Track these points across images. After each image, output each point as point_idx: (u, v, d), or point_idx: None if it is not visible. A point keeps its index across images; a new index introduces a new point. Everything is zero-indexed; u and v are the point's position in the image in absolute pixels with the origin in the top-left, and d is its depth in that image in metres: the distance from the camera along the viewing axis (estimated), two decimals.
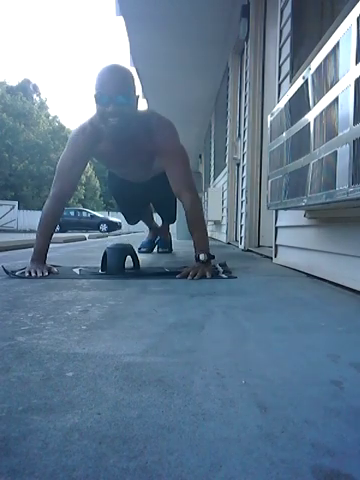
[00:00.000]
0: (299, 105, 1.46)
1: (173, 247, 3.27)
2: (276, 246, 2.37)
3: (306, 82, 1.38)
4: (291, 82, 1.97)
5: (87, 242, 5.32)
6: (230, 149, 4.48)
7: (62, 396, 0.53)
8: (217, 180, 5.95)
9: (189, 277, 1.61)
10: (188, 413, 0.49)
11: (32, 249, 1.80)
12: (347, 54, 1.04)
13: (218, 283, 1.53)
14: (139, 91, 2.01)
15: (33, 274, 1.64)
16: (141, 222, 3.22)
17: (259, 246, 3.37)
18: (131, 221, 3.08)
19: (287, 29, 2.21)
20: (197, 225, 1.78)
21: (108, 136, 1.83)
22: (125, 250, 1.82)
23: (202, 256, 1.69)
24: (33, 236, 1.84)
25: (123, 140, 1.85)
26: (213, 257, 1.76)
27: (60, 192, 1.83)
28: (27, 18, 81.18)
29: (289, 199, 1.58)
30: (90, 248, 3.62)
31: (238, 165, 4.11)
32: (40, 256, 1.77)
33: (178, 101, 6.29)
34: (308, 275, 1.76)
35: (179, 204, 2.12)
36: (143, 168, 2.23)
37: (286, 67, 2.21)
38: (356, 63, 0.99)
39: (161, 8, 3.83)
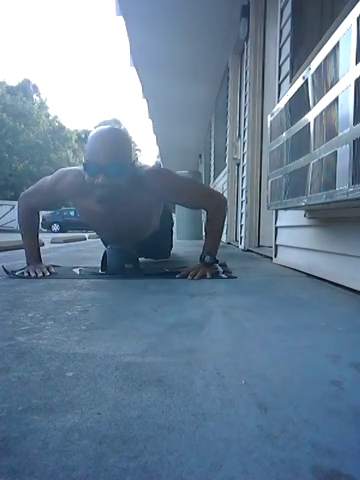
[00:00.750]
0: (299, 105, 1.46)
1: (173, 247, 3.27)
2: (276, 246, 2.37)
3: (306, 82, 1.38)
4: (291, 82, 1.97)
5: (87, 242, 5.32)
6: (230, 149, 4.48)
7: (62, 396, 0.53)
8: (217, 180, 5.95)
9: (189, 277, 1.61)
10: (188, 413, 0.49)
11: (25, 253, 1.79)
12: (347, 54, 1.04)
13: (218, 283, 1.53)
14: (135, 152, 1.80)
15: (33, 274, 1.64)
16: None
17: (259, 246, 3.37)
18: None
19: (287, 29, 2.21)
20: (214, 231, 1.77)
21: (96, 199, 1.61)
22: (125, 250, 1.82)
23: (207, 258, 1.69)
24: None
25: (113, 207, 1.66)
26: (217, 261, 1.77)
27: (34, 206, 1.79)
28: (27, 18, 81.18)
29: (289, 199, 1.58)
30: (90, 248, 3.62)
31: (238, 165, 4.11)
32: (35, 257, 1.78)
33: (178, 101, 6.29)
34: (308, 275, 1.76)
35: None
36: (138, 229, 1.92)
37: (286, 67, 2.21)
38: (356, 63, 0.99)
39: (161, 8, 3.83)
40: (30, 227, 1.81)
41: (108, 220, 1.73)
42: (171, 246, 2.64)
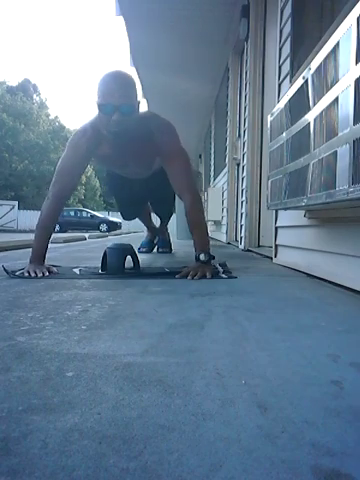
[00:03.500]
0: (299, 105, 1.46)
1: (173, 247, 3.27)
2: (276, 246, 2.37)
3: (306, 82, 1.38)
4: (291, 82, 1.98)
5: (87, 242, 5.32)
6: (230, 149, 4.48)
7: (62, 396, 0.53)
8: (217, 180, 5.95)
9: (189, 277, 1.61)
10: (188, 413, 0.49)
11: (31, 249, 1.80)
12: (347, 54, 1.04)
13: (218, 283, 1.53)
14: (140, 94, 2.00)
15: (33, 274, 1.64)
16: (138, 220, 3.21)
17: (259, 246, 3.37)
18: (128, 217, 3.05)
19: (287, 29, 2.21)
20: (197, 225, 1.79)
21: (109, 141, 1.84)
22: (125, 250, 1.82)
23: (202, 256, 1.69)
24: (33, 236, 1.84)
25: (124, 144, 1.87)
26: (213, 257, 1.76)
27: (60, 192, 1.83)
28: (27, 18, 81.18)
29: (289, 199, 1.58)
30: (90, 248, 3.62)
31: (238, 165, 4.11)
32: (39, 257, 1.77)
33: (178, 101, 6.29)
34: (308, 275, 1.76)
35: (179, 203, 2.14)
36: (143, 167, 2.25)
37: (286, 67, 2.21)
38: (356, 63, 0.99)
39: (161, 8, 3.83)
40: (48, 226, 1.84)
41: (120, 159, 2.02)
42: (173, 209, 3.10)
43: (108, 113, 1.66)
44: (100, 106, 1.67)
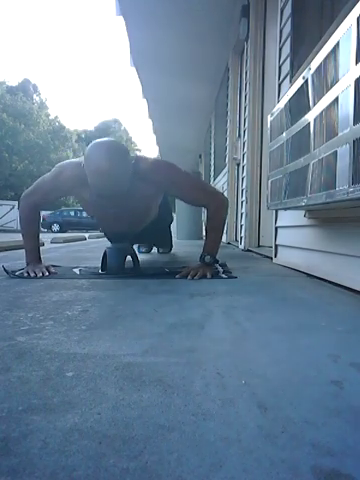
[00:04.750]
0: (299, 105, 1.46)
1: (173, 247, 3.27)
2: (276, 246, 2.37)
3: (306, 82, 1.38)
4: (291, 82, 1.98)
5: (87, 242, 5.32)
6: (230, 149, 4.48)
7: (62, 396, 0.53)
8: (217, 180, 5.95)
9: (189, 277, 1.61)
10: (188, 413, 0.49)
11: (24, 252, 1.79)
12: (347, 54, 1.04)
13: (218, 283, 1.53)
14: (133, 154, 1.69)
15: (32, 274, 1.64)
16: None
17: (259, 246, 3.37)
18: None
19: (287, 29, 2.21)
20: (214, 230, 1.77)
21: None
22: (125, 250, 1.82)
23: (207, 258, 1.70)
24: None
25: (117, 209, 1.70)
26: (217, 261, 1.77)
27: (36, 203, 1.78)
28: (27, 18, 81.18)
29: (289, 199, 1.58)
30: (90, 248, 3.62)
31: (238, 165, 4.11)
32: (35, 257, 1.78)
33: (178, 101, 6.29)
34: (308, 275, 1.75)
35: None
36: (138, 221, 1.99)
37: (286, 67, 2.21)
38: (356, 63, 0.99)
39: (161, 8, 3.82)
40: (31, 227, 1.81)
41: (109, 210, 1.74)
42: (171, 238, 2.67)
43: (98, 196, 1.55)
44: (92, 190, 1.54)
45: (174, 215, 4.02)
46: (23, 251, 1.82)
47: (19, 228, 1.84)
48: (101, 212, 1.84)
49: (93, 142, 1.56)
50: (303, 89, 1.41)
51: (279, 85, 2.36)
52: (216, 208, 1.76)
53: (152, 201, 1.91)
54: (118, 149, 1.55)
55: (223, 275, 1.70)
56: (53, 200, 1.87)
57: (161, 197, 2.03)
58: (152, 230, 2.17)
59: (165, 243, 2.65)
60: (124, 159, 1.54)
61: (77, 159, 1.73)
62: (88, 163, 1.50)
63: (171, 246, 2.70)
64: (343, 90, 1.06)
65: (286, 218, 2.17)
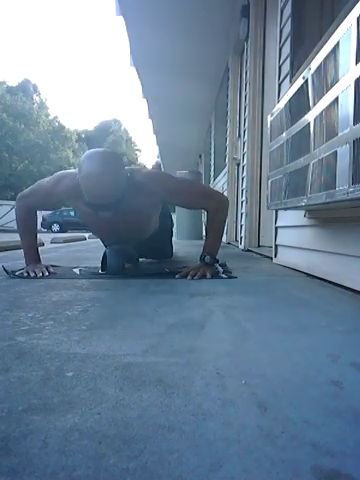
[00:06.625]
0: (299, 105, 1.46)
1: (173, 247, 3.27)
2: (276, 246, 2.37)
3: (306, 82, 1.38)
4: (291, 82, 1.97)
5: (87, 242, 5.32)
6: (230, 149, 4.48)
7: (62, 396, 0.53)
8: (217, 180, 5.95)
9: (189, 277, 1.61)
10: (188, 413, 0.49)
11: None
12: (347, 54, 1.04)
13: (218, 283, 1.53)
14: (129, 166, 1.70)
15: (32, 274, 1.64)
16: None
17: (259, 246, 3.37)
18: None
19: (287, 29, 2.21)
20: (214, 231, 1.77)
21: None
22: (125, 250, 1.82)
23: (207, 258, 1.70)
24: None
25: (113, 221, 1.66)
26: (217, 261, 1.77)
27: (32, 206, 1.78)
28: (27, 18, 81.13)
29: (289, 199, 1.58)
30: (90, 248, 3.62)
31: (238, 165, 4.11)
32: (34, 257, 1.78)
33: (178, 101, 6.29)
34: (308, 275, 1.75)
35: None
36: (136, 234, 1.94)
37: (286, 67, 2.21)
38: (356, 63, 0.98)
39: (161, 8, 3.83)
40: (28, 227, 1.81)
41: (107, 224, 1.71)
42: (172, 246, 2.64)
43: (92, 208, 1.53)
44: (85, 200, 1.52)
45: (174, 215, 4.02)
46: (23, 251, 1.82)
47: (17, 228, 1.84)
48: (100, 224, 1.80)
49: (87, 151, 1.56)
50: (303, 89, 1.41)
51: (279, 85, 2.36)
52: (216, 209, 1.76)
53: (151, 212, 1.90)
54: (110, 157, 1.53)
55: (223, 275, 1.70)
56: (48, 207, 1.85)
57: (160, 208, 2.01)
58: (154, 242, 2.13)
59: (166, 255, 2.55)
60: (116, 167, 1.51)
61: (76, 170, 1.67)
62: (81, 169, 1.48)
63: (172, 255, 2.68)
64: (343, 90, 1.06)
65: (286, 218, 2.17)
